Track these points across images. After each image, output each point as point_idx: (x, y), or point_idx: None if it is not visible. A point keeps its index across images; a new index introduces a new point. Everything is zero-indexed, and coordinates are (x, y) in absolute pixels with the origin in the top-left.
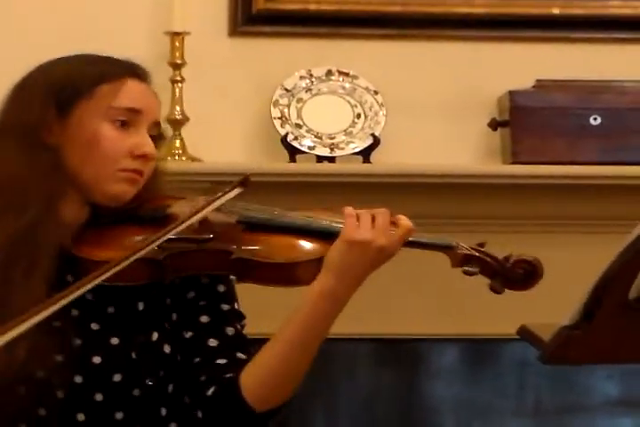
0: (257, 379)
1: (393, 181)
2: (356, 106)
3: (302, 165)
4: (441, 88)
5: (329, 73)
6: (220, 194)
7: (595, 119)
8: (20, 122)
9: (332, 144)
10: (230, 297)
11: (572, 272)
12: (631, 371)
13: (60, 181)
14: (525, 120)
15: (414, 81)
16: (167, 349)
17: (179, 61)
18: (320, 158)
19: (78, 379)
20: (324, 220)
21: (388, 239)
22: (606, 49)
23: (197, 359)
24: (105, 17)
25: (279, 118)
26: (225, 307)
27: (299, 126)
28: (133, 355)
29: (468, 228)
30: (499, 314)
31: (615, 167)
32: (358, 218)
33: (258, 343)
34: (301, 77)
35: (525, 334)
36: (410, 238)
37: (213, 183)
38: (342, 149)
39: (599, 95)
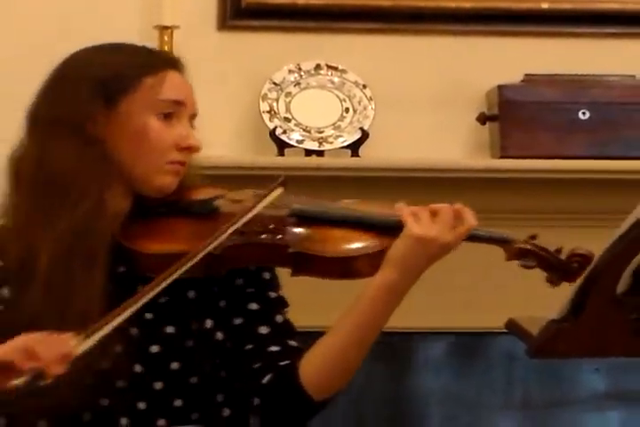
0: (315, 368)
1: (381, 175)
2: (344, 100)
3: (291, 159)
4: (430, 82)
5: (318, 67)
6: (262, 195)
7: (583, 114)
8: (67, 115)
9: (321, 138)
10: (276, 284)
11: None
12: (618, 364)
13: (108, 173)
14: (514, 114)
15: (403, 75)
16: (220, 336)
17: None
18: (308, 152)
19: (138, 368)
20: (379, 213)
21: (451, 235)
22: (595, 43)
23: (249, 346)
24: (94, 11)
25: (268, 112)
26: (272, 294)
27: (287, 120)
28: (189, 343)
29: None
30: (487, 308)
31: (604, 162)
32: (419, 214)
33: (312, 337)
34: (290, 71)
35: (513, 328)
36: (474, 233)
37: (203, 177)
38: (331, 142)
39: (588, 90)
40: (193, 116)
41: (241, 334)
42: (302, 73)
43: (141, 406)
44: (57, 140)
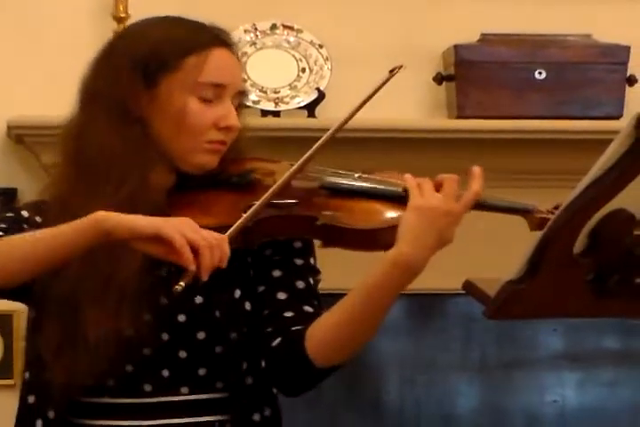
0: (320, 337)
1: (338, 136)
2: (300, 60)
3: (246, 119)
4: (386, 42)
5: (273, 27)
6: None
7: (540, 73)
8: (109, 94)
9: (277, 98)
10: (306, 252)
11: (516, 227)
12: (575, 325)
13: (151, 151)
14: (470, 74)
15: (360, 35)
16: (248, 306)
17: (122, 15)
18: (264, 113)
19: (165, 337)
20: (399, 184)
21: (454, 204)
22: (552, 2)
23: (266, 312)
24: None
25: None
26: (298, 261)
27: (243, 80)
28: (217, 313)
29: None
30: (444, 268)
31: (560, 121)
32: (423, 185)
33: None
34: (246, 31)
35: (470, 289)
36: (487, 201)
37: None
38: (287, 103)
39: (544, 49)
40: (239, 94)
41: (261, 300)
42: (258, 33)
43: (165, 373)
44: (99, 115)
